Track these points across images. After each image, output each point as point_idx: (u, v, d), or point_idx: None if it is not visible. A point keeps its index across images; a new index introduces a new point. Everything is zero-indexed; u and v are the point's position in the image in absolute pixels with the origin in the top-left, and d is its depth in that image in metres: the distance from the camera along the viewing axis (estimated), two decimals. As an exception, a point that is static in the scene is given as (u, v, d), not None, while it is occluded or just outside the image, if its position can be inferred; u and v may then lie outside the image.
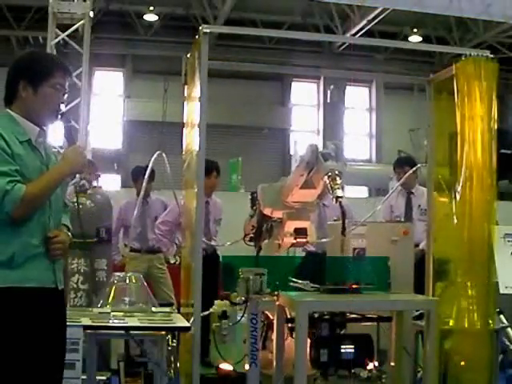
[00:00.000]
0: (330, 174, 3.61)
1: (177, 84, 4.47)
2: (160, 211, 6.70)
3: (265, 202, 4.08)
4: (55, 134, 3.15)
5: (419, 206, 6.40)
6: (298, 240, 3.94)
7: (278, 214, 4.04)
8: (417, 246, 5.56)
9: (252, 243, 4.31)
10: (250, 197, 4.44)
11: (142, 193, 5.49)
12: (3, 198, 2.53)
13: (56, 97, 2.79)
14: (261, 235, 4.22)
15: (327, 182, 3.62)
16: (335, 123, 17.36)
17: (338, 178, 3.61)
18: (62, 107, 2.85)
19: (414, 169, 5.75)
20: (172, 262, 8.83)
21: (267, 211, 4.10)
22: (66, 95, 2.84)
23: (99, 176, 5.84)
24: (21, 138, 2.69)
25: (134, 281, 4.22)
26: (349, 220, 5.85)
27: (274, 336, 4.13)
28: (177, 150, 5.05)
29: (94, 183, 5.49)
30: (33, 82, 2.73)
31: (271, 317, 4.12)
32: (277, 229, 4.05)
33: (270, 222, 4.15)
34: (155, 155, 4.79)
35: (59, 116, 2.83)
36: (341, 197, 3.64)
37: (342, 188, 3.71)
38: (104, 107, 17.03)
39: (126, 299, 4.11)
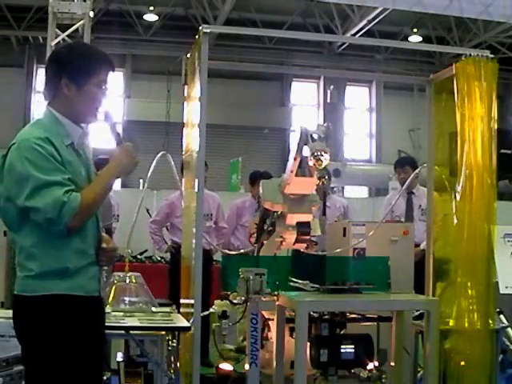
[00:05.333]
0: (314, 154, 3.61)
1: (178, 84, 4.48)
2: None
3: (265, 196, 4.08)
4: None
5: (420, 206, 6.41)
6: (301, 237, 3.93)
7: (278, 208, 4.03)
8: (417, 246, 5.56)
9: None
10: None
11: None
12: (61, 209, 2.43)
13: (100, 95, 2.68)
14: (262, 230, 4.21)
15: (312, 162, 3.62)
16: (335, 123, 17.33)
17: (322, 159, 3.60)
18: (104, 104, 2.74)
19: (417, 171, 5.75)
20: (159, 258, 8.94)
21: (267, 205, 4.09)
22: (107, 91, 2.72)
23: None
24: (65, 141, 2.61)
25: (133, 281, 4.22)
26: (348, 220, 5.89)
27: (271, 335, 4.14)
28: (178, 150, 5.06)
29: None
30: (76, 80, 2.60)
31: (267, 316, 4.12)
32: (279, 226, 4.04)
33: (272, 218, 4.14)
34: (159, 155, 4.79)
35: (104, 116, 2.75)
36: (324, 177, 3.66)
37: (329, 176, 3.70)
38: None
39: (126, 299, 4.11)
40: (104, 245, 2.70)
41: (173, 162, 4.88)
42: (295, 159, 3.79)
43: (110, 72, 2.70)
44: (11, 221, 2.59)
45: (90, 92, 2.64)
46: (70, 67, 2.61)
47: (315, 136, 3.68)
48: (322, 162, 3.61)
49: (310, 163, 3.66)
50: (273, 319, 4.01)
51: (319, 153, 3.60)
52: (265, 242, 4.20)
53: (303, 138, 3.70)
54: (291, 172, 3.83)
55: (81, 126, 2.72)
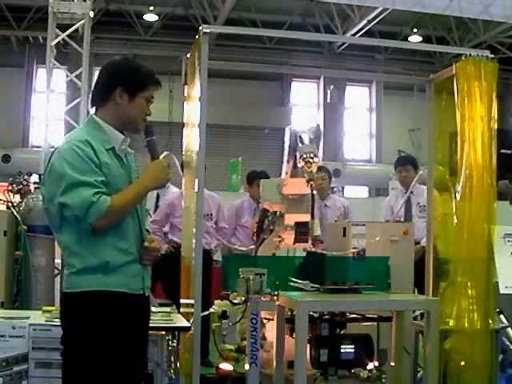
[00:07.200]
0: (304, 156, 3.59)
1: (180, 84, 4.48)
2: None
3: (264, 196, 4.09)
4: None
5: (418, 203, 6.38)
6: (299, 237, 3.93)
7: (276, 208, 4.04)
8: (417, 243, 5.55)
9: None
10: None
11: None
12: (88, 209, 2.55)
13: (146, 108, 2.85)
14: (262, 229, 4.22)
15: (302, 164, 3.61)
16: (335, 123, 17.36)
17: (311, 161, 3.59)
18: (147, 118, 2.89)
19: (421, 172, 5.75)
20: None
21: (266, 205, 4.10)
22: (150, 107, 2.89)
23: None
24: (106, 145, 2.72)
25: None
26: (348, 220, 5.89)
27: (268, 334, 4.14)
28: (181, 150, 5.06)
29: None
30: (130, 91, 2.77)
31: (265, 316, 4.11)
32: (278, 226, 4.04)
33: (272, 218, 4.15)
34: (163, 155, 4.79)
35: (145, 130, 2.88)
36: (312, 179, 3.64)
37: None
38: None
39: (126, 299, 4.09)
40: (146, 244, 2.79)
41: (177, 162, 4.87)
42: (288, 161, 3.79)
43: (155, 90, 2.88)
44: (53, 221, 2.71)
45: (139, 104, 2.81)
46: (127, 78, 2.80)
47: (305, 137, 3.67)
48: (311, 164, 3.59)
49: (299, 165, 3.66)
50: (269, 318, 4.01)
51: (308, 155, 3.59)
52: (266, 240, 4.20)
53: (293, 139, 3.70)
54: (286, 173, 3.84)
55: (124, 134, 2.84)
